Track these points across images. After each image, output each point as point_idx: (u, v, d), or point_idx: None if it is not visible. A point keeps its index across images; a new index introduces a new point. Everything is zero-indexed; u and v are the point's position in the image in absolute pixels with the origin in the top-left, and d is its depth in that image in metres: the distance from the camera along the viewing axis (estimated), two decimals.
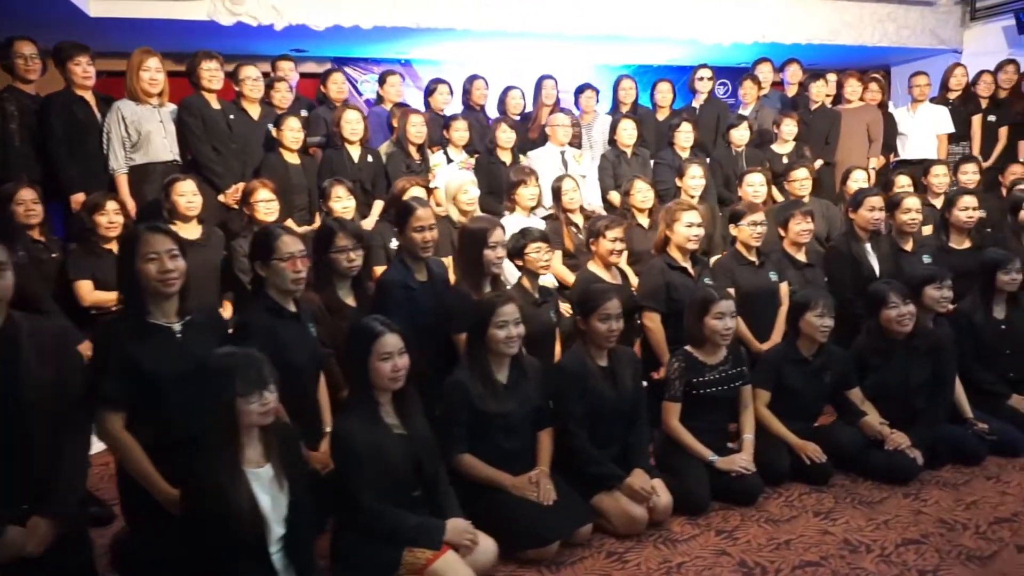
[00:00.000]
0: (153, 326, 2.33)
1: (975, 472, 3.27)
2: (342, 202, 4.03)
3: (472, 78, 5.71)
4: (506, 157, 5.09)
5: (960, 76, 6.05)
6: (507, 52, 7.24)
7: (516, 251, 3.51)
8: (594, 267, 3.67)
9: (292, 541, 2.18)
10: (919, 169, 5.37)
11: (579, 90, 5.91)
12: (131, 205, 4.13)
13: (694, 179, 4.75)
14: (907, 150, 5.97)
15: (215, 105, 4.40)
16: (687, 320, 3.22)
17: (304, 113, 5.38)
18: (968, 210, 4.21)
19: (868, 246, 4.09)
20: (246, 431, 2.09)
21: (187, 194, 3.86)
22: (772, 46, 7.03)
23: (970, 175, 5.13)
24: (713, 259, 4.33)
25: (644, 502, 2.79)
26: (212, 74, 4.35)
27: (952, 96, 6.07)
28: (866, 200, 4.06)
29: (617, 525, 2.79)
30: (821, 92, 5.84)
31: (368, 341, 2.42)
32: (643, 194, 4.59)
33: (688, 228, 3.67)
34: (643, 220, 4.59)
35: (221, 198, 4.33)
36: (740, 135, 5.43)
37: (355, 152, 4.71)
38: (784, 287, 3.93)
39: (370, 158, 4.76)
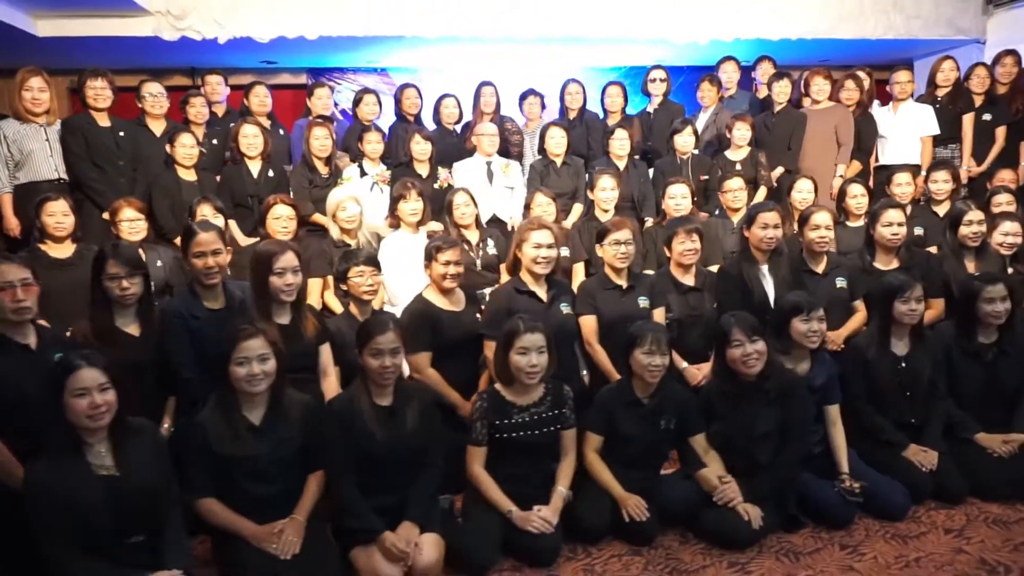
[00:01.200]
0: None
1: (834, 538, 2.78)
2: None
3: (403, 87, 5.50)
4: (422, 169, 4.85)
5: (949, 71, 5.30)
6: (487, 58, 6.98)
7: (340, 275, 3.29)
8: (429, 294, 3.36)
9: None
10: (887, 176, 4.76)
11: (522, 96, 5.62)
12: (14, 224, 4.17)
13: (604, 191, 4.36)
14: (888, 154, 5.31)
15: (103, 123, 4.37)
16: (495, 355, 2.91)
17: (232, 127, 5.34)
18: (892, 226, 3.66)
19: (764, 268, 3.61)
20: None
21: (56, 214, 3.82)
22: (759, 43, 6.48)
23: (941, 184, 4.49)
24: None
25: (398, 561, 2.50)
26: (98, 92, 4.32)
27: (940, 93, 5.35)
28: (759, 216, 3.57)
29: None
30: (784, 92, 5.27)
31: (61, 376, 2.25)
32: (543, 208, 4.25)
33: (536, 249, 3.33)
34: None
35: (106, 216, 4.30)
36: (684, 141, 4.97)
37: (255, 167, 4.58)
38: (659, 313, 3.51)
39: (271, 173, 4.62)
